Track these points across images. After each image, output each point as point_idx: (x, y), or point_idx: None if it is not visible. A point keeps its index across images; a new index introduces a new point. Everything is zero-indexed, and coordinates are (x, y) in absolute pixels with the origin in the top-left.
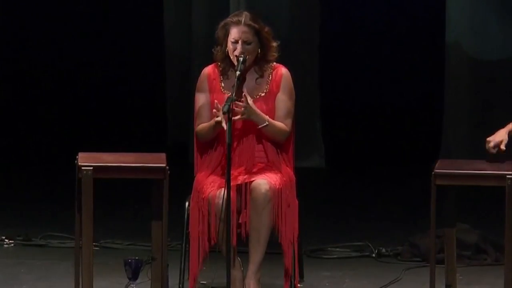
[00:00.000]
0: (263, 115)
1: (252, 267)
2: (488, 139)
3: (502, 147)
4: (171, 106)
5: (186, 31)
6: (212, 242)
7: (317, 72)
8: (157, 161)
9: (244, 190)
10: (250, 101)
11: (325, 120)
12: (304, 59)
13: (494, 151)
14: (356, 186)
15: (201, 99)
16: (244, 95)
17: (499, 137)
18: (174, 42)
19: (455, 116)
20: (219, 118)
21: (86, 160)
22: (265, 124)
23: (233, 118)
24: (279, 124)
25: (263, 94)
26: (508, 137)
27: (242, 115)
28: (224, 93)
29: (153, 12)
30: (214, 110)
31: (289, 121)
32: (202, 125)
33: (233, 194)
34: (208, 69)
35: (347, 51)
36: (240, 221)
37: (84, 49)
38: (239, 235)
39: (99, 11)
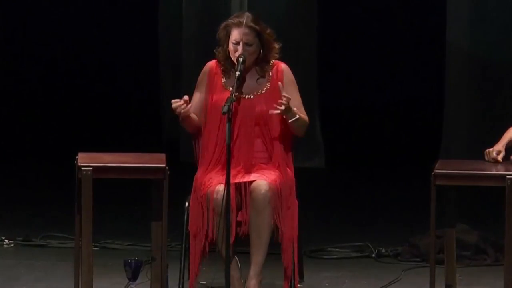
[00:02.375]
0: (294, 109)
1: (254, 268)
2: (487, 150)
3: (499, 159)
4: (164, 106)
5: (179, 31)
6: (209, 238)
7: (316, 72)
8: (157, 161)
9: (244, 190)
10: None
11: (325, 120)
12: (303, 59)
13: (497, 157)
14: (356, 186)
15: (195, 97)
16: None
17: (497, 148)
18: (167, 43)
19: (455, 116)
20: (184, 111)
21: (85, 161)
22: (296, 117)
23: (273, 112)
24: (304, 116)
25: (263, 92)
26: (506, 149)
27: (280, 111)
28: (226, 89)
29: (147, 13)
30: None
31: (304, 111)
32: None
33: (232, 191)
34: (211, 64)
35: (346, 51)
36: (238, 219)
37: (80, 51)
38: (237, 234)
39: (95, 13)
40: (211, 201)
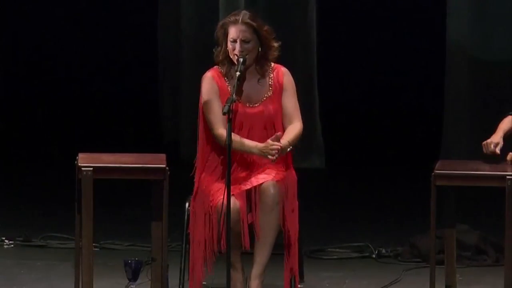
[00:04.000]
0: (284, 141)
1: (257, 268)
2: (485, 142)
3: (497, 151)
4: (163, 106)
5: (178, 31)
6: (216, 248)
7: (316, 72)
8: (157, 161)
9: (254, 192)
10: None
11: (325, 120)
12: (303, 59)
13: (495, 149)
14: (356, 187)
15: (213, 103)
16: (277, 138)
17: (495, 139)
18: (167, 43)
19: (455, 116)
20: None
21: (86, 161)
22: (290, 149)
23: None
24: (294, 133)
25: (270, 94)
26: (504, 139)
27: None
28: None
29: (147, 13)
30: None
31: (297, 115)
32: (236, 137)
33: (242, 202)
34: (211, 72)
35: (346, 51)
36: (249, 222)
37: (79, 51)
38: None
39: (95, 13)
40: (223, 215)
